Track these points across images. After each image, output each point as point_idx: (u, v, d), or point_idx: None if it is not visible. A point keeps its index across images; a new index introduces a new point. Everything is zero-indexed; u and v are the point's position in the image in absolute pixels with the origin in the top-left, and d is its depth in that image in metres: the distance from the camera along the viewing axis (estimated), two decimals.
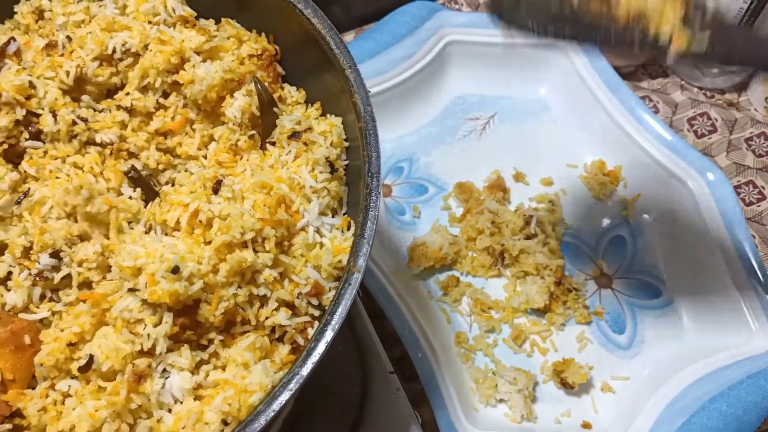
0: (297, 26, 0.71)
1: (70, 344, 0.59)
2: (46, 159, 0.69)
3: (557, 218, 1.05)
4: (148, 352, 0.58)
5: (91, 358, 0.57)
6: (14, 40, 0.74)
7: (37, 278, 0.62)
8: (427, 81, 1.15)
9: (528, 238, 1.02)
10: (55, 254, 0.62)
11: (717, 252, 0.98)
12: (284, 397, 0.53)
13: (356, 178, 0.69)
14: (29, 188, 0.67)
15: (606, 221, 1.07)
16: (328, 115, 0.73)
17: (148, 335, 0.57)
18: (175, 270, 0.57)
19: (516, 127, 1.16)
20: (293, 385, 0.54)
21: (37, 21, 0.76)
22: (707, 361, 0.92)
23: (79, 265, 0.62)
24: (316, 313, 0.63)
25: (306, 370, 0.54)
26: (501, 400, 0.92)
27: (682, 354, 0.95)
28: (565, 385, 0.92)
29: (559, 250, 1.02)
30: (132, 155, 0.72)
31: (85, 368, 0.57)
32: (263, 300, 0.63)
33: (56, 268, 0.62)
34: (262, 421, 0.52)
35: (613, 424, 0.90)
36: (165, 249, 0.58)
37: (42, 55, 0.72)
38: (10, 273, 0.63)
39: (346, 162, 0.71)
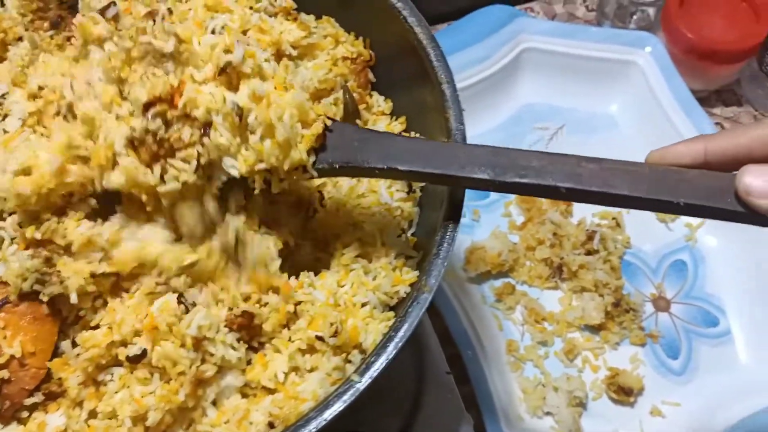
0: (398, 33, 0.70)
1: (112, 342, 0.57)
2: None
3: (620, 236, 1.04)
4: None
5: (144, 351, 0.55)
6: (114, 4, 0.74)
7: None
8: (499, 85, 1.15)
9: (589, 253, 1.01)
10: None
11: None
12: (337, 407, 0.51)
13: (430, 200, 0.68)
14: None
15: (669, 244, 1.05)
16: (412, 133, 0.72)
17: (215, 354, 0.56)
18: None
19: (583, 140, 1.15)
20: (348, 397, 0.52)
21: None
22: (762, 398, 0.90)
23: None
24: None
25: (363, 385, 0.52)
26: (548, 413, 0.92)
27: (737, 386, 0.93)
28: (621, 391, 0.91)
29: (620, 269, 1.01)
30: None
31: (136, 360, 0.55)
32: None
33: None
34: (312, 428, 0.50)
35: None
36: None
37: (142, 22, 0.72)
38: None
39: (423, 184, 0.70)
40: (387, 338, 0.54)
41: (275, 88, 0.57)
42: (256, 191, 0.58)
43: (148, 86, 0.55)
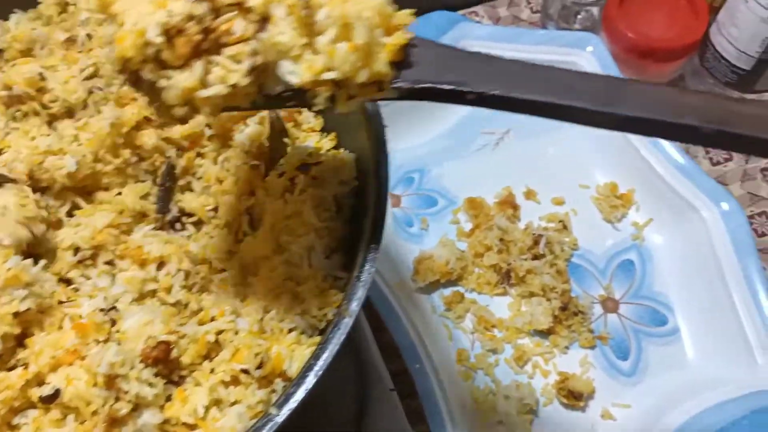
0: None
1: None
2: None
3: (567, 239, 1.04)
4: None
5: (57, 391, 0.53)
6: (34, 30, 0.73)
7: None
8: None
9: (536, 258, 1.01)
10: None
11: (726, 283, 0.96)
12: None
13: (359, 218, 0.67)
14: None
15: (616, 244, 1.06)
16: (341, 150, 0.71)
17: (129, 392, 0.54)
18: None
19: (530, 143, 1.14)
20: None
21: (60, 14, 0.75)
22: (711, 394, 0.90)
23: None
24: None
25: (282, 417, 0.51)
26: (500, 422, 0.91)
27: (686, 385, 0.93)
28: (572, 396, 0.91)
29: (567, 272, 1.01)
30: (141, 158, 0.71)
31: (49, 400, 0.53)
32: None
33: None
34: None
35: None
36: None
37: (61, 49, 0.71)
38: None
39: (352, 201, 0.69)
40: (307, 367, 0.53)
41: None
42: (315, 108, 0.49)
43: None
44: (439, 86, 0.50)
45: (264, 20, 0.46)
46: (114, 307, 0.59)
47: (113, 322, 0.58)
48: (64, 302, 0.60)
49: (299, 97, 0.49)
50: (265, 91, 0.49)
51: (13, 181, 0.64)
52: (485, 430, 0.91)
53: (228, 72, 0.47)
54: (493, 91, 0.50)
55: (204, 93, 0.47)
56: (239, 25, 0.46)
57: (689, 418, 0.89)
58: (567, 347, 0.97)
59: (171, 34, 0.45)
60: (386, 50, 0.48)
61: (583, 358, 0.97)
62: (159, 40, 0.45)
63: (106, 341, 0.56)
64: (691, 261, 1.01)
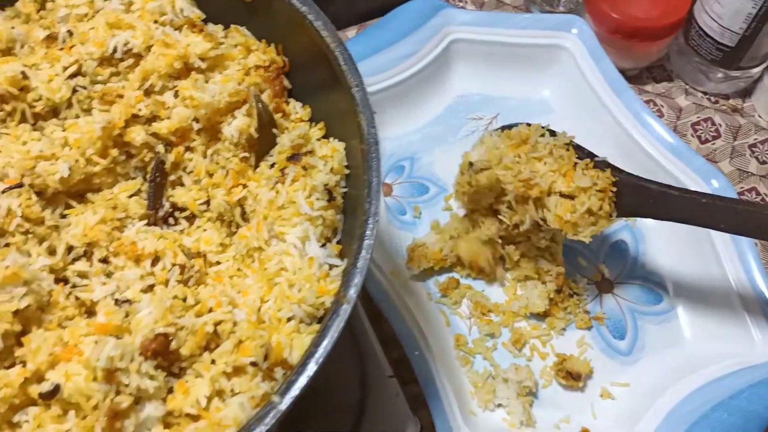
0: (307, 38, 0.69)
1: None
2: None
3: None
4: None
5: (57, 387, 0.53)
6: (13, 28, 0.72)
7: None
8: (430, 79, 1.14)
9: (529, 241, 1.01)
10: None
11: (720, 260, 0.97)
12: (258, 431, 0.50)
13: (353, 206, 0.67)
14: None
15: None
16: (331, 139, 0.71)
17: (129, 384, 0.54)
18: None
19: None
20: (269, 419, 0.50)
21: (38, 11, 0.74)
22: (708, 370, 0.91)
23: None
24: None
25: (284, 405, 0.51)
26: (500, 405, 0.91)
27: (683, 362, 0.94)
28: (570, 377, 0.91)
29: (561, 254, 1.01)
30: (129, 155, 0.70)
31: (49, 396, 0.53)
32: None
33: None
34: None
35: (613, 431, 0.90)
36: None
37: (41, 47, 0.70)
38: None
39: (345, 190, 0.69)
40: (308, 355, 0.53)
41: None
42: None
43: None
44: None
45: None
46: (128, 300, 0.59)
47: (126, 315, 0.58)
48: (77, 286, 0.60)
49: None
50: None
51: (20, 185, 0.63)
52: (486, 413, 0.91)
53: None
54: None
55: None
56: None
57: (688, 394, 0.90)
58: (564, 329, 0.98)
59: None
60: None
61: (581, 339, 0.97)
62: None
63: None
64: (683, 240, 1.01)
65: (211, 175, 0.71)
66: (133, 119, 0.69)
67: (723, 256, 0.97)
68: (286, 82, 0.75)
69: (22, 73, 0.67)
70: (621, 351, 0.97)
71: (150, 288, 0.62)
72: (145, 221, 0.67)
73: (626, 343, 0.97)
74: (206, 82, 0.70)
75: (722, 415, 0.85)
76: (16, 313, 0.55)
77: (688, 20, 1.15)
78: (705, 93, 1.22)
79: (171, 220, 0.69)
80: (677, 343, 0.97)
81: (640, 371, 0.95)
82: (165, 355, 0.55)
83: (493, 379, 0.93)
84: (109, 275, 0.63)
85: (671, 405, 0.89)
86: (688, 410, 0.87)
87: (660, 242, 1.04)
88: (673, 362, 0.95)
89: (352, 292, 0.55)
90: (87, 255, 0.64)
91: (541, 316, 0.98)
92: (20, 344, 0.56)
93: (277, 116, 0.73)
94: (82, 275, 0.62)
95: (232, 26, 0.76)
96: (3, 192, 0.62)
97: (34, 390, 0.53)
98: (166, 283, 0.63)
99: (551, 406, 0.92)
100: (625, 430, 0.89)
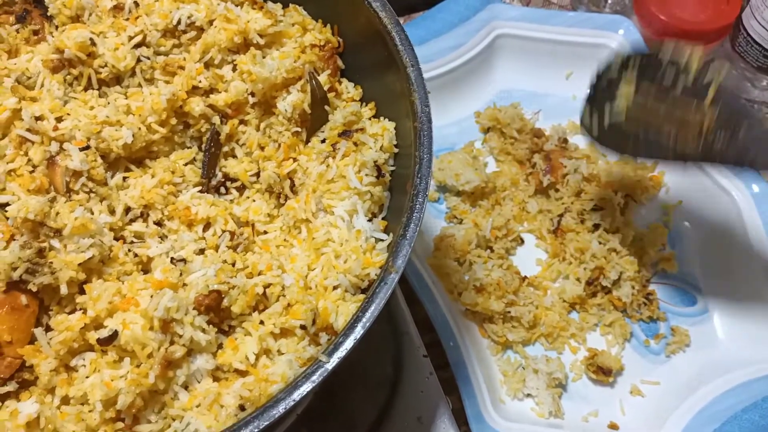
0: (364, 19, 0.71)
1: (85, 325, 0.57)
2: None
3: None
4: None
5: (115, 333, 0.55)
6: None
7: None
8: (475, 72, 1.15)
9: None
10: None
11: (757, 264, 0.97)
12: (305, 388, 0.52)
13: (400, 185, 0.69)
14: None
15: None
16: (381, 118, 0.73)
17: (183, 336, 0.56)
18: None
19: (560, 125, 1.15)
20: (316, 377, 0.52)
21: None
22: (741, 372, 0.91)
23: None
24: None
25: (331, 365, 0.53)
26: (528, 395, 0.92)
27: (715, 363, 0.94)
28: (601, 371, 0.92)
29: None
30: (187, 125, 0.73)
31: (106, 342, 0.55)
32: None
33: None
34: (281, 408, 0.51)
35: (641, 428, 0.90)
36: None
37: (108, 16, 0.73)
38: None
39: (393, 168, 0.71)
40: (355, 319, 0.54)
41: None
42: None
43: None
44: None
45: None
46: (183, 259, 0.61)
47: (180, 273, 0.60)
48: (134, 242, 0.63)
49: None
50: None
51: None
52: (514, 402, 0.92)
53: None
54: None
55: None
56: None
57: (718, 395, 0.90)
58: (596, 324, 0.98)
59: None
60: None
61: (613, 336, 0.97)
62: None
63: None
64: (719, 242, 1.01)
65: (262, 148, 0.73)
66: (193, 90, 0.72)
67: (760, 260, 0.97)
68: (340, 62, 0.77)
69: (90, 39, 0.69)
70: (653, 350, 0.97)
71: (201, 252, 0.64)
72: (199, 188, 0.70)
73: (658, 342, 0.97)
74: (263, 57, 0.72)
75: (753, 416, 0.85)
76: (81, 263, 0.58)
77: (735, 26, 1.15)
78: (749, 100, 1.22)
79: (222, 190, 0.72)
80: (710, 345, 0.97)
81: (672, 370, 0.95)
82: (217, 311, 0.57)
83: (523, 369, 0.94)
84: (163, 238, 0.65)
85: (701, 404, 0.90)
86: (718, 410, 0.87)
87: (696, 244, 1.04)
88: (704, 363, 0.95)
89: (401, 262, 0.57)
90: (143, 216, 0.66)
91: (575, 311, 0.99)
92: (82, 292, 0.59)
93: (330, 95, 0.75)
94: (138, 236, 0.65)
95: (291, 5, 0.78)
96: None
97: (93, 336, 0.55)
98: (217, 248, 0.65)
99: (580, 400, 0.93)
100: (654, 427, 0.89)
